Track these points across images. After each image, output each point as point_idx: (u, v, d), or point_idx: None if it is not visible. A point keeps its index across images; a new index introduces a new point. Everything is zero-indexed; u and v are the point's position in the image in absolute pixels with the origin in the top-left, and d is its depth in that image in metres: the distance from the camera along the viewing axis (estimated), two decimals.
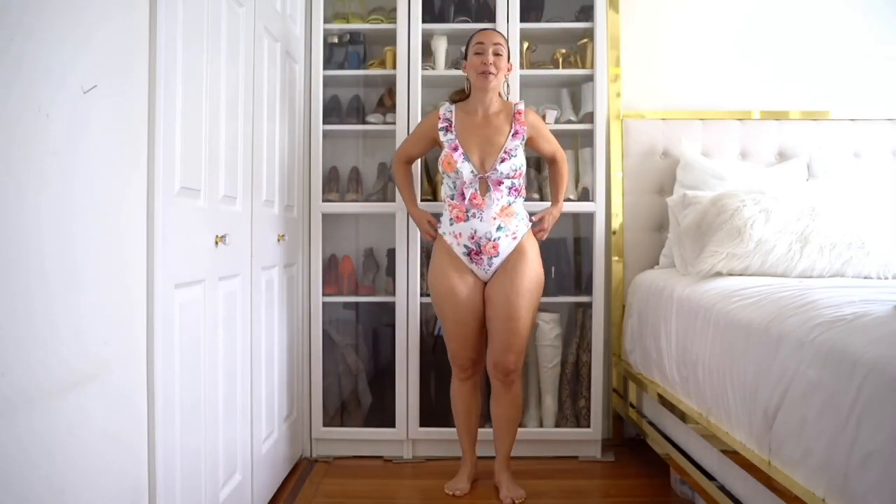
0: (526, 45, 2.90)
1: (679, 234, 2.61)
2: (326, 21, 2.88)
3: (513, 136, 2.39)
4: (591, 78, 2.87)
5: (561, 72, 2.91)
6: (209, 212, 1.75)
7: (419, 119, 2.77)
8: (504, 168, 2.35)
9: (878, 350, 1.25)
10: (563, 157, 2.58)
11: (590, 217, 2.89)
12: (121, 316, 1.33)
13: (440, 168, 2.42)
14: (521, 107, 2.46)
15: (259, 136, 2.20)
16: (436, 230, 2.49)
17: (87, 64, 1.21)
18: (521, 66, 2.84)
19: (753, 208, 2.31)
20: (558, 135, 2.99)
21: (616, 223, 2.96)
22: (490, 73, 2.35)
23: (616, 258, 2.96)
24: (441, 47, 2.89)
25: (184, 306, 1.58)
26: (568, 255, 2.99)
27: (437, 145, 2.48)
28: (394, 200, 2.83)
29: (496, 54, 2.36)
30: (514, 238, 2.39)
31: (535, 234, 2.47)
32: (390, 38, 2.86)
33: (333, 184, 2.96)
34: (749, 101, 3.08)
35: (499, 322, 2.37)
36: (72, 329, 1.16)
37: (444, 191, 2.47)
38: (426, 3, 2.84)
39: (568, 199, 2.85)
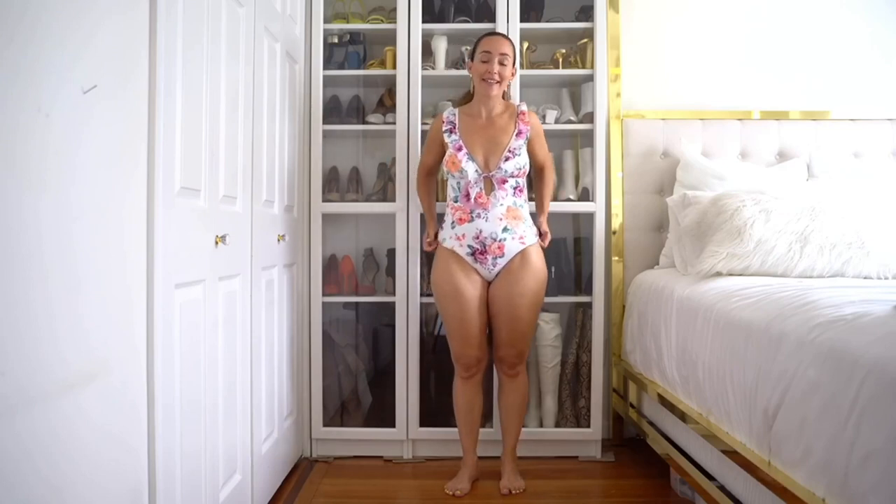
0: (526, 45, 2.90)
1: (679, 234, 2.61)
2: (326, 21, 2.88)
3: (517, 135, 2.43)
4: (591, 78, 2.87)
5: (561, 72, 2.91)
6: (209, 212, 1.75)
7: (419, 119, 2.79)
8: (508, 166, 2.38)
9: (878, 350, 1.25)
10: (552, 166, 2.64)
11: (590, 217, 2.89)
12: (121, 316, 1.33)
13: (444, 169, 2.45)
14: (524, 108, 2.50)
15: (259, 136, 2.20)
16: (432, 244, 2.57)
17: (87, 64, 1.21)
18: (522, 66, 2.84)
19: (753, 208, 2.31)
20: (558, 135, 3.01)
21: (616, 223, 2.96)
22: (493, 83, 2.39)
23: (616, 258, 2.96)
24: (441, 47, 2.89)
25: (184, 306, 1.58)
26: (568, 255, 2.99)
27: (444, 148, 2.50)
28: (394, 200, 2.83)
29: (501, 64, 2.39)
30: (522, 242, 2.41)
31: (541, 246, 2.52)
32: (390, 38, 2.86)
33: (333, 184, 2.96)
34: (749, 101, 3.07)
35: (503, 321, 2.42)
36: (72, 329, 1.16)
37: (448, 193, 2.49)
38: (426, 3, 2.84)
39: (568, 199, 2.85)
